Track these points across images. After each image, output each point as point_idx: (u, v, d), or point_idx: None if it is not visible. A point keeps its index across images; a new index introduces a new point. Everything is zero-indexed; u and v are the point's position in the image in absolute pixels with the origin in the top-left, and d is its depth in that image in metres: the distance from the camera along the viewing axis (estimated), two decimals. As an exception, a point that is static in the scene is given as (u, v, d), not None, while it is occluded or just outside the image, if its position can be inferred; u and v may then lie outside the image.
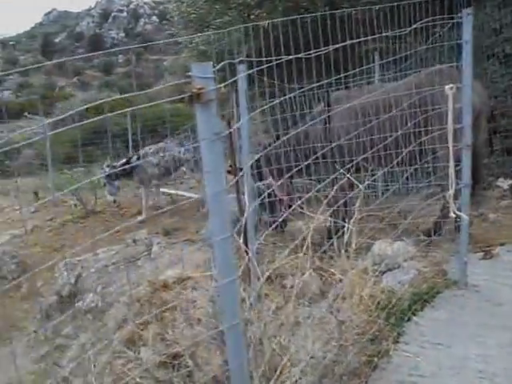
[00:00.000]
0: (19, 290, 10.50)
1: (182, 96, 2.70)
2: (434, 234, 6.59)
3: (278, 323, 4.45)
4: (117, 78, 56.89)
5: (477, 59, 8.15)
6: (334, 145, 6.53)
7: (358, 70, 6.15)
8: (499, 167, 8.05)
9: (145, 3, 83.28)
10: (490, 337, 4.71)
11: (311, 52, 4.26)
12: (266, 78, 5.46)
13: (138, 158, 12.98)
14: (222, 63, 3.31)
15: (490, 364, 4.36)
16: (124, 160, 13.11)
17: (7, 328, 9.05)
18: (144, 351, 5.55)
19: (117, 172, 12.69)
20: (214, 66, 2.74)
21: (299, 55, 4.23)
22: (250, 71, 4.32)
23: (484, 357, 4.45)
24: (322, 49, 4.34)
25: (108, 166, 12.88)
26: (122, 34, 78.69)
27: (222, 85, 2.92)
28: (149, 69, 53.88)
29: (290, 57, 4.13)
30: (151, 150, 13.08)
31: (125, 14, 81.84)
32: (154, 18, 79.42)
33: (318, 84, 5.16)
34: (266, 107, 4.87)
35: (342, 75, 5.60)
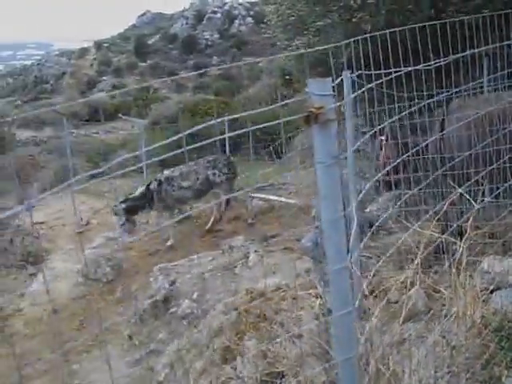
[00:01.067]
0: (114, 294, 10.63)
1: (299, 116, 2.52)
2: None
3: (385, 342, 4.27)
4: (211, 80, 57.34)
5: None
6: (458, 159, 6.22)
7: (471, 84, 5.86)
8: None
9: (239, 4, 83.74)
10: None
11: (434, 62, 4.06)
12: (383, 89, 5.28)
13: (160, 184, 12.41)
14: (341, 78, 3.14)
15: None
16: (143, 188, 12.50)
17: (102, 331, 9.17)
18: (240, 363, 5.46)
19: (137, 204, 12.14)
20: (320, 73, 2.56)
21: (419, 66, 4.03)
22: (371, 85, 4.12)
23: None
24: (442, 60, 4.14)
25: (123, 202, 12.13)
26: (217, 36, 79.40)
27: (342, 103, 2.73)
28: (243, 70, 53.99)
29: (410, 68, 3.95)
30: (175, 174, 12.58)
31: (219, 15, 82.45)
32: (249, 19, 79.71)
33: (437, 97, 4.90)
34: (394, 118, 4.64)
35: (461, 87, 5.31)
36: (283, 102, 2.89)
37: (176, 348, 7.46)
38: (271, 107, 2.73)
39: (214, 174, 12.56)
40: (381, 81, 3.98)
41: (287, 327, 5.35)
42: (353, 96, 3.56)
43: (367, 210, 7.88)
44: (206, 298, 8.15)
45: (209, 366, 5.93)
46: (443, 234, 5.88)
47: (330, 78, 2.49)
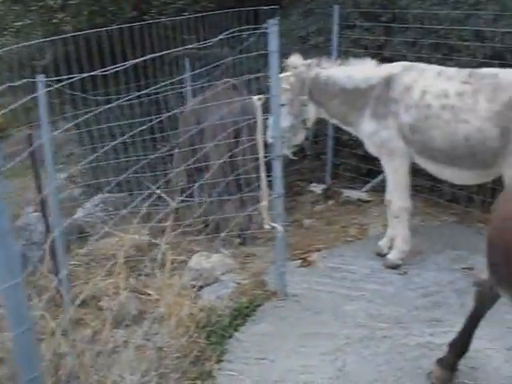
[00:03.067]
0: None
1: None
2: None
3: (94, 352, 4.16)
4: None
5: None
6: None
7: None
8: (311, 172, 8.18)
9: None
10: (312, 346, 4.71)
11: (111, 68, 4.03)
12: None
13: None
14: (22, 81, 3.00)
15: (314, 374, 4.36)
16: None
17: None
18: None
19: None
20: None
21: (98, 72, 3.98)
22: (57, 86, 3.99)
23: (307, 367, 4.44)
24: (119, 64, 4.12)
25: None
26: None
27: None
28: None
29: (92, 73, 3.90)
30: None
31: None
32: None
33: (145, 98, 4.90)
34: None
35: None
36: None
37: None
38: None
39: None
40: (64, 83, 3.88)
41: None
42: (29, 97, 3.42)
43: (75, 216, 7.65)
44: None
45: None
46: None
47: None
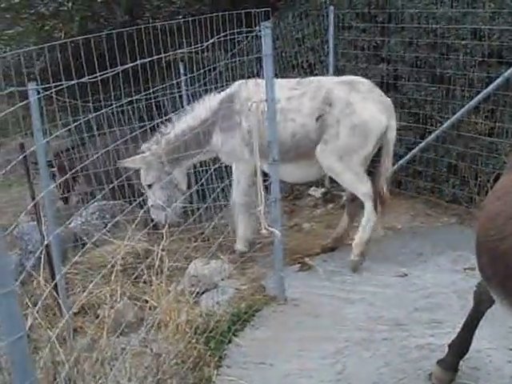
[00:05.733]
0: None
1: None
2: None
3: (93, 359, 4.13)
4: None
5: (282, 69, 8.26)
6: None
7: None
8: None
9: None
10: (311, 350, 4.69)
11: (101, 74, 4.00)
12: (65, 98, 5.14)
13: None
14: (10, 89, 2.99)
15: (314, 378, 4.34)
16: None
17: None
18: None
19: None
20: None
21: (88, 77, 3.94)
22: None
23: (307, 371, 4.42)
24: (116, 68, 4.09)
25: None
26: None
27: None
28: None
29: (83, 79, 3.87)
30: None
31: None
32: None
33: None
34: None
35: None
36: None
37: None
38: None
39: None
40: (56, 89, 3.86)
41: None
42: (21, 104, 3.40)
43: (72, 224, 7.61)
44: None
45: None
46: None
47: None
